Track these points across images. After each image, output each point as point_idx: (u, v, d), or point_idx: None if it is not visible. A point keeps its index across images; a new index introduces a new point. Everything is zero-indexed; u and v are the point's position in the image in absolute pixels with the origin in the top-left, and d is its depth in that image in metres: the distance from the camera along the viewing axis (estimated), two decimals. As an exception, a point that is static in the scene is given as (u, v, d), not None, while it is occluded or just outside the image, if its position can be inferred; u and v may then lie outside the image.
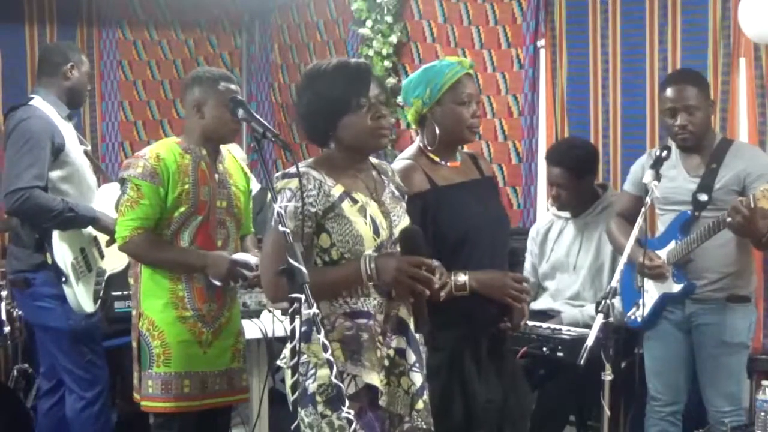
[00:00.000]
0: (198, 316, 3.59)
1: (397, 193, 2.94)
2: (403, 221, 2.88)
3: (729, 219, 3.52)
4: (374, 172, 2.93)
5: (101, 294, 4.23)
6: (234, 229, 3.73)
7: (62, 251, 4.03)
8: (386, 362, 2.79)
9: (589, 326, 3.88)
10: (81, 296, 4.08)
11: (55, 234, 4.02)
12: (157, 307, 3.57)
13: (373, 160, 2.96)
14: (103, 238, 4.22)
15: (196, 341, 3.59)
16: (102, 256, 4.26)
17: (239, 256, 3.63)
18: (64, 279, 4.01)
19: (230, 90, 3.54)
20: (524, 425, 3.39)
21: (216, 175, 3.65)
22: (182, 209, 3.55)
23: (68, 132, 4.17)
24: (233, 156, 3.86)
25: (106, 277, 4.28)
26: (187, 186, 3.54)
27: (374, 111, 2.78)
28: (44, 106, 4.12)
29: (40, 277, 4.06)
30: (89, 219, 4.09)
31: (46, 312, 4.09)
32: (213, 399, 3.66)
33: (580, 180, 4.42)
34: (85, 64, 4.31)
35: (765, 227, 3.50)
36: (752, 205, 3.42)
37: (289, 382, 2.76)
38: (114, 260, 4.25)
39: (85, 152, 4.27)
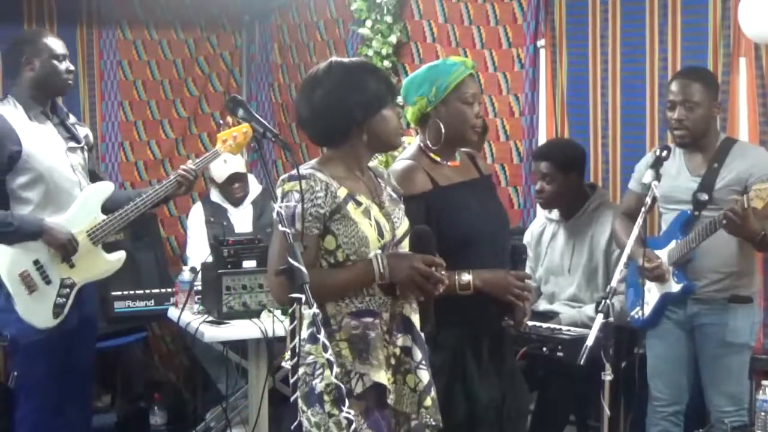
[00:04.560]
0: None
1: (394, 196, 2.95)
2: (404, 223, 2.89)
3: (723, 219, 3.52)
4: (371, 175, 2.93)
5: (66, 308, 3.94)
6: None
7: (4, 265, 3.87)
8: (392, 360, 2.79)
9: (587, 326, 3.90)
10: (29, 311, 3.89)
11: (0, 247, 3.88)
12: None
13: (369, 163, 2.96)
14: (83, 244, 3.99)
15: None
16: (72, 266, 3.97)
17: None
18: (6, 294, 3.87)
19: None
20: (523, 425, 3.39)
21: None
22: None
23: (36, 134, 3.95)
24: None
25: (77, 288, 3.98)
26: None
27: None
28: (8, 109, 3.94)
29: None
30: (31, 233, 3.87)
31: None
32: None
33: (565, 175, 4.40)
34: (45, 50, 3.98)
35: (759, 227, 3.51)
36: (746, 206, 3.43)
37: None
38: (89, 270, 4.03)
39: (83, 149, 4.12)
